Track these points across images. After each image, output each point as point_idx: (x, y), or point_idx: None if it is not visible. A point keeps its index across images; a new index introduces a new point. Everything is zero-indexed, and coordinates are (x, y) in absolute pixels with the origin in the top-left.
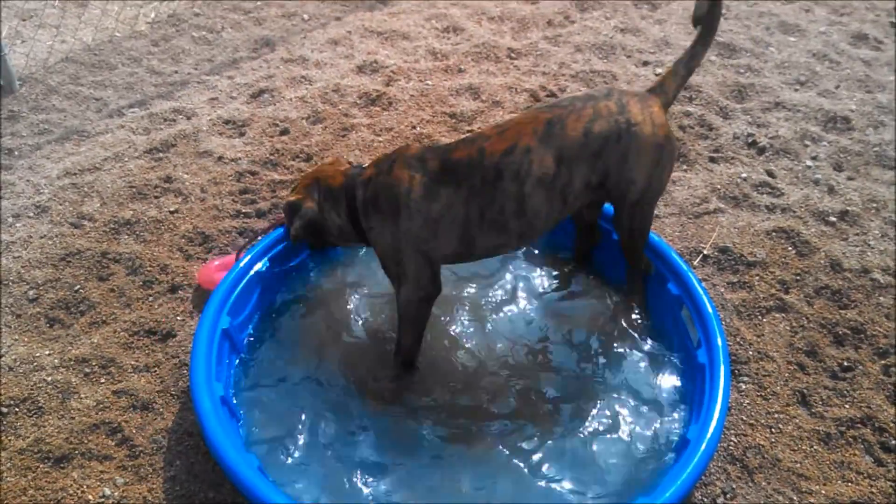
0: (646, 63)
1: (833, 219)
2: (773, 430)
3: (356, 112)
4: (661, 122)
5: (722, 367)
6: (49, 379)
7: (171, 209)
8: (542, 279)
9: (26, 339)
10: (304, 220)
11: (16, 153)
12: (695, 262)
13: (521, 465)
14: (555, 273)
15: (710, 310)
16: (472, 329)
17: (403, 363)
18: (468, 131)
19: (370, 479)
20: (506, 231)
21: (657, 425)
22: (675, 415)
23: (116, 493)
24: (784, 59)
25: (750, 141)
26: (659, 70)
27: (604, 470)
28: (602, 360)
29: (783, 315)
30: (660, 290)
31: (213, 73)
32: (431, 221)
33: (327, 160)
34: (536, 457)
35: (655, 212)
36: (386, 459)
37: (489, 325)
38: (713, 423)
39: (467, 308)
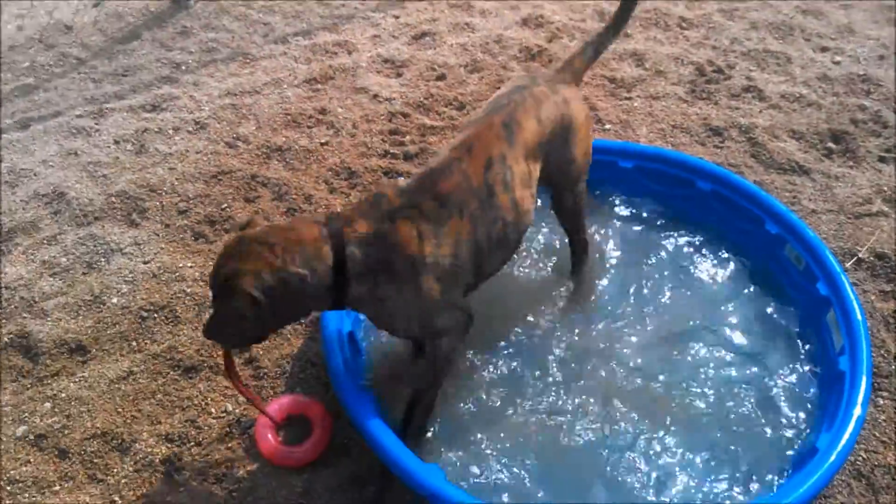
0: (824, 49)
1: None
2: None
3: (514, 65)
4: (581, 98)
5: (864, 378)
6: (189, 290)
7: (322, 141)
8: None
9: (171, 250)
10: (270, 282)
11: (183, 68)
12: (847, 265)
13: (647, 455)
14: (695, 262)
15: (858, 316)
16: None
17: (420, 431)
18: (626, 98)
19: (487, 434)
20: (507, 244)
21: (787, 428)
22: (807, 420)
23: (237, 411)
24: None
25: None
26: (838, 58)
27: (727, 465)
28: (736, 354)
29: None
30: (808, 289)
31: (378, 10)
32: (450, 267)
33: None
34: (669, 445)
35: (813, 206)
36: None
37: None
38: (846, 435)
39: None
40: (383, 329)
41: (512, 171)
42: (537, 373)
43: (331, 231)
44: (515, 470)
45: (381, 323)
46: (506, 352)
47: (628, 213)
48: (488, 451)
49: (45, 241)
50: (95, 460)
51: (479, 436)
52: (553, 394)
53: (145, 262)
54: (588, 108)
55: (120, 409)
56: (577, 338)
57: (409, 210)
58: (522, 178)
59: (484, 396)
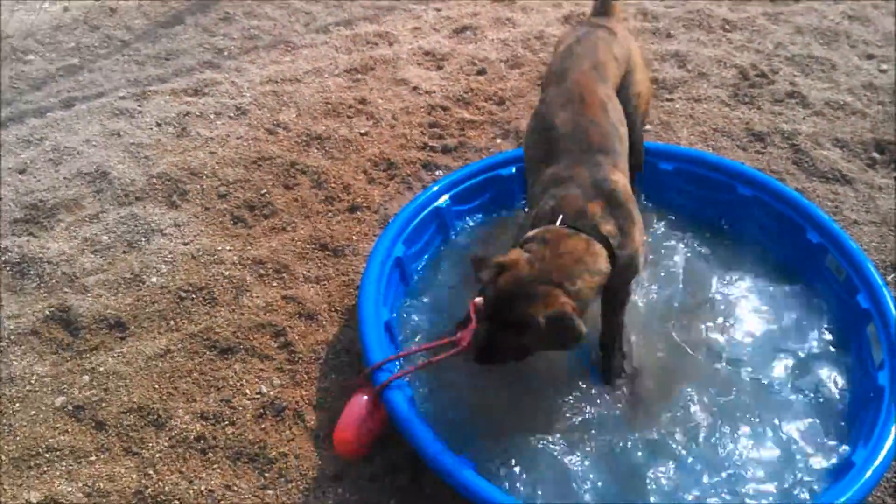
0: (870, 57)
1: None
2: None
3: None
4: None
5: None
6: (226, 273)
7: (362, 131)
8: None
9: (210, 232)
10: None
11: (225, 53)
12: (889, 278)
13: (669, 471)
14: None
15: None
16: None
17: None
18: (668, 99)
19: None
20: None
21: (822, 442)
22: (843, 435)
23: (272, 393)
24: None
25: None
26: (885, 66)
27: (760, 479)
28: (769, 363)
29: None
30: (848, 301)
31: (420, 2)
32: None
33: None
34: (689, 461)
35: (855, 217)
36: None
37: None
38: (884, 451)
39: None
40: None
41: (615, 105)
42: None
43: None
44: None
45: (628, 277)
46: None
47: (665, 216)
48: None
49: (87, 219)
50: (131, 434)
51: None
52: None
53: (185, 244)
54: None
55: (156, 386)
56: None
57: (604, 165)
58: (620, 110)
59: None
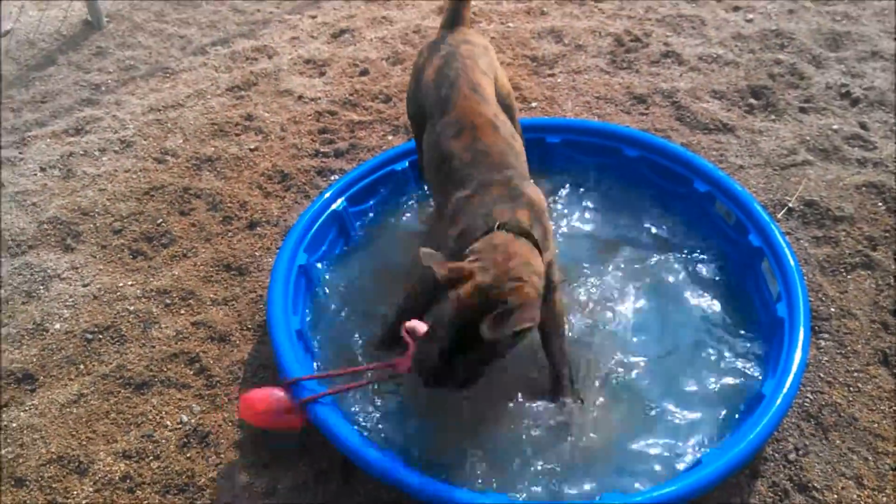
0: (736, 9)
1: None
2: (851, 388)
3: None
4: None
5: (802, 323)
6: (131, 308)
7: (252, 147)
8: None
9: (110, 270)
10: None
11: (102, 88)
12: (779, 215)
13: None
14: (619, 225)
15: (791, 263)
16: None
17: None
18: (549, 75)
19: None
20: None
21: (732, 379)
22: (751, 369)
23: (193, 420)
24: (884, 6)
25: (843, 91)
26: (750, 16)
27: (677, 424)
28: (675, 313)
29: (869, 272)
30: (741, 242)
31: (294, 12)
32: None
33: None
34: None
35: (740, 162)
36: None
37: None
38: (790, 379)
39: None
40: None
41: (503, 120)
42: None
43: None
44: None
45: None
46: None
47: (555, 187)
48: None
49: None
50: (54, 485)
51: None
52: None
53: (85, 286)
54: None
55: (74, 433)
56: None
57: (514, 178)
58: (508, 123)
59: None
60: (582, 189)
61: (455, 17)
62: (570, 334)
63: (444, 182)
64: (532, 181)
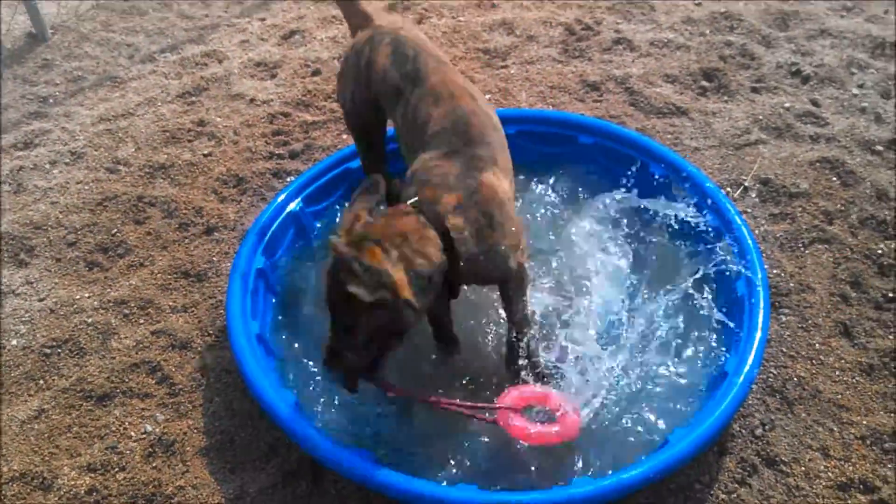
0: None
1: (880, 147)
2: (814, 361)
3: None
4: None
5: (761, 299)
6: (89, 320)
7: (205, 152)
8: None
9: (66, 283)
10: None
11: (50, 101)
12: (735, 195)
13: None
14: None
15: (749, 241)
16: None
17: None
18: (502, 67)
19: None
20: None
21: (695, 358)
22: (713, 348)
23: (157, 430)
24: None
25: (794, 70)
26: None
27: (642, 405)
28: (636, 295)
29: (826, 246)
30: (698, 222)
31: (243, 15)
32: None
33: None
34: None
35: (695, 144)
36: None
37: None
38: (751, 355)
39: None
40: (485, 283)
41: (477, 91)
42: None
43: (429, 216)
44: None
45: (492, 277)
46: None
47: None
48: None
49: None
50: (18, 502)
51: None
52: None
53: (40, 300)
54: None
55: (36, 448)
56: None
57: (482, 162)
58: (483, 96)
59: None
60: (538, 178)
61: (363, 17)
62: (534, 310)
63: (419, 147)
64: (503, 170)
